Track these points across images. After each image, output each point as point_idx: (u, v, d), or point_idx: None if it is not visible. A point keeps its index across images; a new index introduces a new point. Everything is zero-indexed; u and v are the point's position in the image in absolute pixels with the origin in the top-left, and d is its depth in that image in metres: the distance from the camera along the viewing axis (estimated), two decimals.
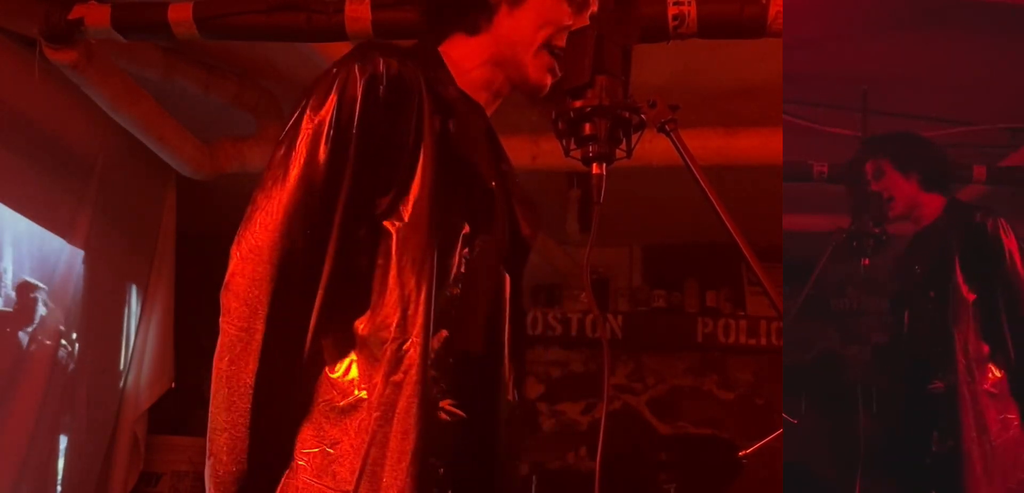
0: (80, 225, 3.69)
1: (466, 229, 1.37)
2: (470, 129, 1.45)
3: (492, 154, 1.55)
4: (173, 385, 4.32)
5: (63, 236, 3.63)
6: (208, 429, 1.26)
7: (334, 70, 1.33)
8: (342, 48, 2.93)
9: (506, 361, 1.50)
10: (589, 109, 1.37)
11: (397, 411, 1.25)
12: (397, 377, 1.26)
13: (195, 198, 4.31)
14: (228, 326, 1.25)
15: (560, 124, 1.41)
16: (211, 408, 1.26)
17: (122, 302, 4.09)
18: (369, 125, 1.30)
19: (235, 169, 3.88)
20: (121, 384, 4.12)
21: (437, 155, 1.34)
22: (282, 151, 1.29)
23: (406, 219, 1.30)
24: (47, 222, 3.57)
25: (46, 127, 3.44)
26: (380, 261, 1.30)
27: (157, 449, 4.48)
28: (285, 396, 1.27)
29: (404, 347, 1.27)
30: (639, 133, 1.41)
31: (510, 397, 1.52)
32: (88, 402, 3.85)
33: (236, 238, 1.28)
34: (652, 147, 1.62)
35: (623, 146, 1.40)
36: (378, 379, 1.26)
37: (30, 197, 3.43)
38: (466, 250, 1.37)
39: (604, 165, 1.37)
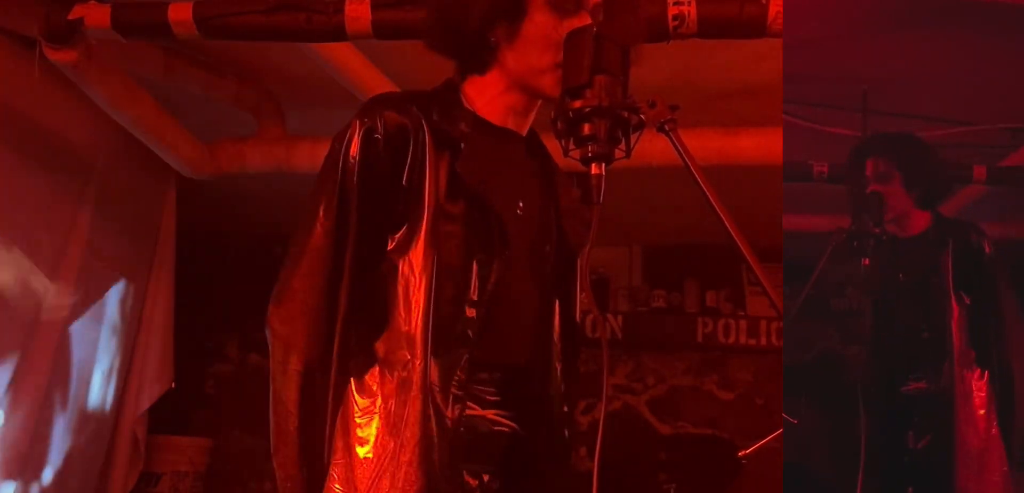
0: (80, 225, 3.69)
1: (480, 255, 1.49)
2: (482, 159, 1.53)
3: (533, 171, 1.65)
4: (173, 385, 4.32)
5: (63, 236, 3.63)
6: (271, 448, 1.47)
7: (345, 127, 1.52)
8: (342, 48, 2.95)
9: (557, 374, 1.63)
10: (588, 109, 1.37)
11: (403, 425, 1.41)
12: (403, 394, 1.42)
13: (195, 198, 4.31)
14: (271, 361, 1.48)
15: (559, 124, 1.41)
16: (271, 431, 1.48)
17: (122, 302, 4.09)
18: (369, 178, 1.48)
19: (235, 169, 3.88)
20: (121, 384, 4.12)
21: (443, 190, 1.49)
22: (307, 204, 1.51)
23: (410, 253, 1.46)
24: (47, 222, 3.57)
25: (46, 127, 3.44)
26: (391, 290, 1.47)
27: (157, 449, 4.48)
28: (323, 414, 1.46)
29: (408, 367, 1.43)
30: (638, 133, 1.41)
31: (564, 406, 1.65)
32: (88, 402, 3.85)
33: (275, 284, 1.51)
34: (652, 147, 1.62)
35: (622, 146, 1.40)
36: (391, 395, 1.43)
37: (30, 197, 3.43)
38: (482, 274, 1.49)
39: (603, 165, 1.37)
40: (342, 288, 1.47)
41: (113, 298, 4.02)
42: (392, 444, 1.40)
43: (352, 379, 1.46)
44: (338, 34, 2.66)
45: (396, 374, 1.43)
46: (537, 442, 1.60)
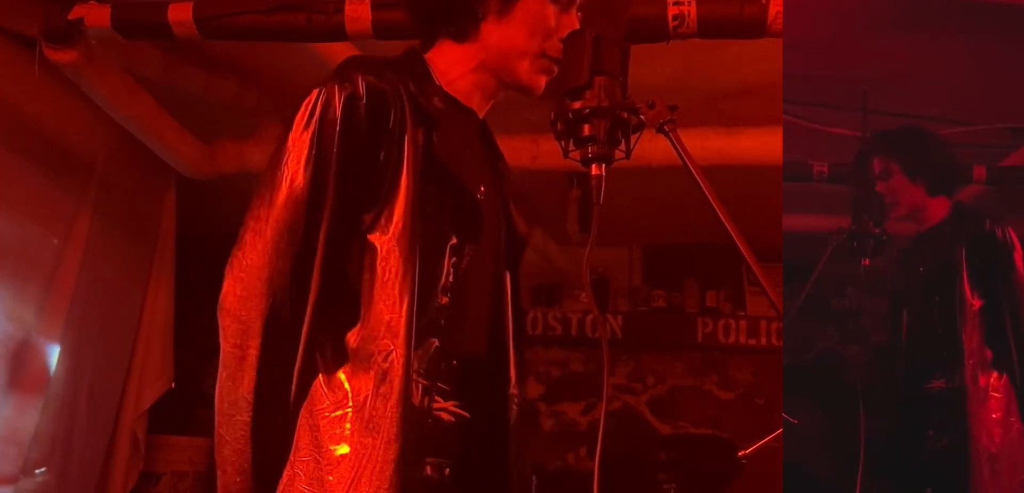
0: (80, 225, 3.69)
1: (454, 240, 1.42)
2: (455, 138, 1.47)
3: (485, 156, 1.58)
4: (173, 385, 4.32)
5: (63, 236, 3.63)
6: (214, 442, 1.32)
7: (316, 92, 1.39)
8: (342, 48, 2.94)
9: (511, 358, 1.55)
10: (588, 110, 1.37)
11: (383, 421, 1.29)
12: (384, 389, 1.30)
13: (195, 198, 4.31)
14: (224, 344, 1.31)
15: (559, 125, 1.41)
16: (215, 421, 1.32)
17: (122, 302, 4.09)
18: (349, 145, 1.35)
19: (235, 169, 3.88)
20: (121, 384, 4.12)
21: (420, 168, 1.38)
22: (269, 174, 1.35)
23: (389, 233, 1.34)
24: (47, 222, 3.57)
25: (46, 127, 3.44)
26: (366, 275, 1.34)
27: (157, 449, 4.48)
28: (281, 408, 1.31)
29: (389, 359, 1.31)
30: (638, 133, 1.41)
31: (513, 390, 1.55)
32: (88, 402, 3.85)
33: (229, 259, 1.34)
34: (652, 147, 1.62)
35: (622, 147, 1.40)
36: (367, 390, 1.30)
37: (30, 197, 3.43)
38: (454, 260, 1.41)
39: (603, 166, 1.37)
40: (314, 269, 1.32)
41: (113, 298, 4.02)
42: (371, 441, 1.28)
43: (321, 374, 1.32)
44: (338, 34, 2.66)
45: (373, 366, 1.30)
46: (491, 429, 1.53)
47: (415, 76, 1.46)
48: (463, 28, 1.51)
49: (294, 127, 1.37)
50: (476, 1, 1.49)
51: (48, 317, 3.56)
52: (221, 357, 1.31)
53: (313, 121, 1.36)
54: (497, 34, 1.51)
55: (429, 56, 1.55)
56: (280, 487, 1.30)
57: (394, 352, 1.31)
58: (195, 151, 3.79)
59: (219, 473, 1.30)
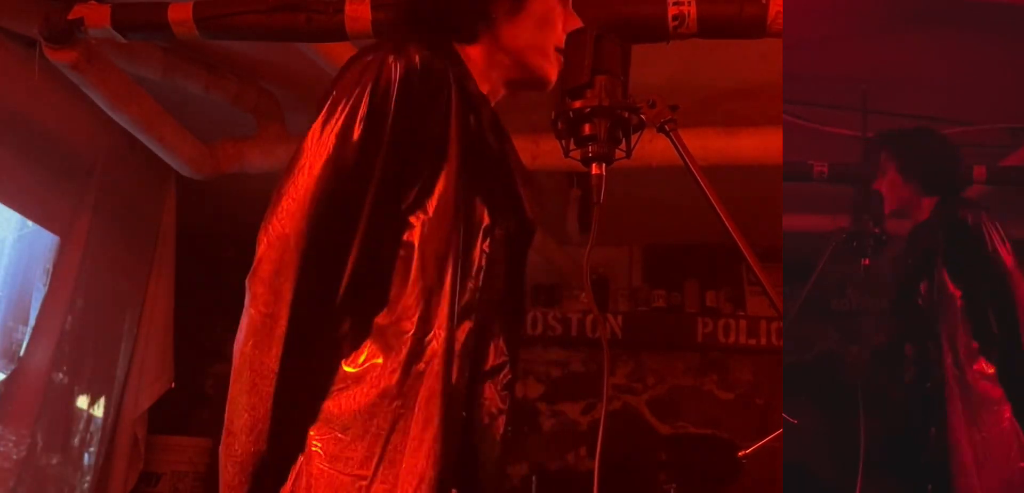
0: (80, 225, 3.69)
1: (486, 221, 1.38)
2: (488, 121, 1.45)
3: (500, 142, 1.55)
4: (173, 385, 4.32)
5: (63, 236, 3.63)
6: (227, 408, 1.26)
7: (368, 58, 1.33)
8: (342, 48, 2.94)
9: (516, 338, 1.51)
10: (588, 109, 1.37)
11: (419, 400, 1.27)
12: (420, 366, 1.28)
13: (195, 198, 4.32)
14: (254, 311, 1.25)
15: (560, 124, 1.41)
16: (232, 389, 1.26)
17: (122, 302, 4.09)
18: (402, 116, 1.29)
19: (235, 169, 3.88)
20: (121, 384, 4.12)
21: (464, 149, 1.35)
22: (310, 137, 1.29)
23: (431, 213, 1.31)
24: (47, 222, 3.57)
25: (46, 127, 3.44)
26: (402, 253, 1.31)
27: (157, 449, 4.48)
28: (306, 381, 1.28)
29: (427, 339, 1.28)
30: (639, 133, 1.41)
31: (508, 376, 1.50)
32: (88, 402, 3.85)
33: (263, 224, 1.28)
34: (652, 147, 1.63)
35: (623, 146, 1.40)
36: (398, 368, 1.27)
37: (30, 197, 3.43)
38: (486, 242, 1.38)
39: (604, 165, 1.37)
40: (353, 243, 1.27)
41: (113, 298, 4.02)
42: (405, 421, 1.25)
43: (345, 347, 1.29)
44: (338, 34, 2.66)
45: (405, 346, 1.27)
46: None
47: (454, 61, 1.44)
48: (473, 30, 1.49)
49: (341, 92, 1.30)
50: (488, 4, 1.48)
51: (48, 317, 3.56)
52: (247, 324, 1.25)
53: (367, 88, 1.29)
54: (510, 33, 1.50)
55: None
56: (298, 462, 1.27)
57: (434, 333, 1.28)
58: (195, 151, 3.79)
59: (229, 441, 1.25)
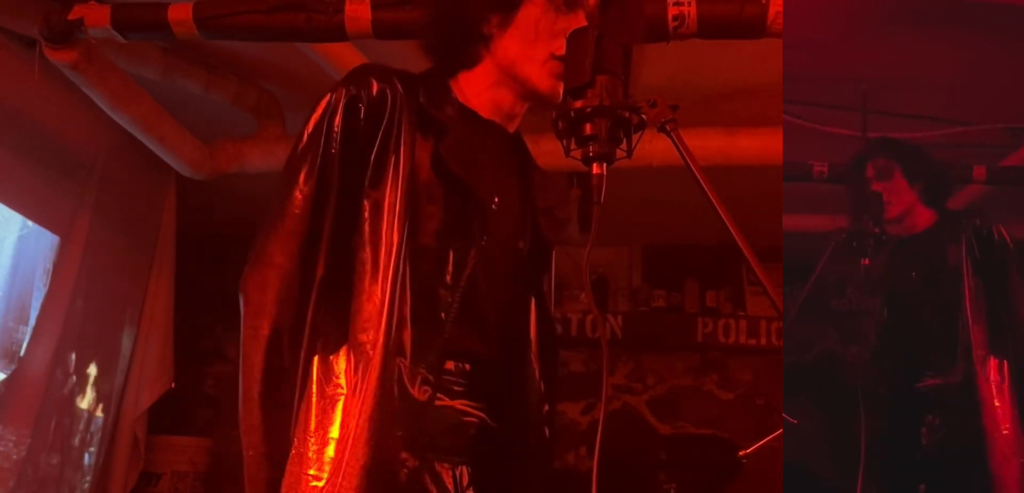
0: (80, 225, 3.69)
1: (457, 242, 1.47)
2: (467, 147, 1.51)
3: (512, 168, 1.63)
4: (173, 385, 4.32)
5: (63, 236, 3.63)
6: (241, 421, 1.41)
7: (326, 96, 1.49)
8: (342, 48, 2.95)
9: (535, 373, 1.61)
10: (589, 109, 1.36)
11: (364, 408, 1.36)
12: (369, 373, 1.37)
13: (195, 198, 4.31)
14: (242, 326, 1.42)
15: (560, 124, 1.41)
16: (239, 400, 1.41)
17: (122, 302, 4.09)
18: (348, 145, 1.45)
19: (235, 169, 3.88)
20: (121, 384, 4.12)
21: (421, 170, 1.46)
22: (285, 170, 1.47)
23: (382, 228, 1.42)
24: (47, 222, 3.57)
25: (46, 127, 3.44)
26: (360, 267, 1.43)
27: (157, 449, 4.48)
28: (288, 387, 1.40)
29: (374, 347, 1.38)
30: (639, 133, 1.41)
31: (544, 405, 1.62)
32: (88, 402, 3.85)
33: (252, 247, 1.46)
34: (652, 147, 1.62)
35: (623, 146, 1.40)
36: (356, 375, 1.38)
37: (30, 197, 3.43)
38: (457, 261, 1.47)
39: (604, 165, 1.37)
40: (319, 258, 1.43)
41: (112, 298, 4.02)
42: (357, 426, 1.36)
43: (318, 356, 1.41)
44: (338, 34, 2.66)
45: (362, 355, 1.39)
46: (512, 437, 1.58)
47: (429, 86, 1.53)
48: (474, 54, 1.58)
49: (305, 130, 1.48)
50: (481, 25, 1.55)
51: (48, 317, 3.56)
52: (241, 337, 1.41)
53: (321, 124, 1.46)
54: (503, 47, 1.56)
55: (455, 79, 1.61)
56: (288, 464, 1.37)
57: (380, 342, 1.38)
58: (195, 151, 3.79)
59: (243, 442, 1.39)
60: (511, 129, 1.64)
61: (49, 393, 3.57)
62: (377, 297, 1.39)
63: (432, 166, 1.47)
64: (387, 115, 1.46)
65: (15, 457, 3.41)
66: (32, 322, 3.53)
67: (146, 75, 3.35)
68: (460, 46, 1.59)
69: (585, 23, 1.51)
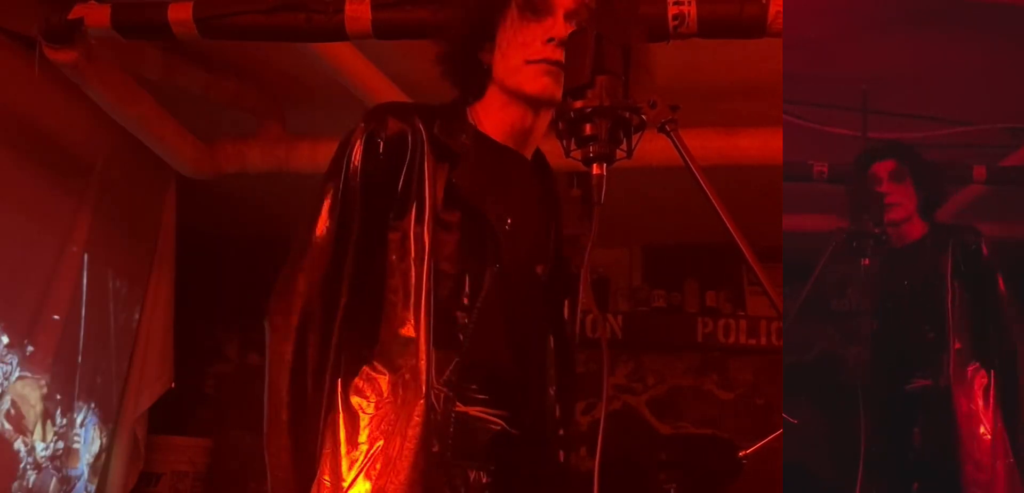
0: (80, 225, 3.69)
1: (472, 264, 1.53)
2: (482, 173, 1.58)
3: (531, 193, 1.70)
4: (173, 385, 4.32)
5: (63, 236, 3.63)
6: (265, 439, 1.48)
7: (349, 134, 1.57)
8: (342, 48, 2.95)
9: (551, 395, 1.68)
10: (589, 109, 1.36)
11: (404, 426, 1.44)
12: (401, 397, 1.46)
13: (195, 198, 4.32)
14: (268, 351, 1.50)
15: (560, 124, 1.41)
16: (265, 422, 1.49)
17: (122, 302, 4.09)
18: (369, 180, 1.54)
19: (235, 169, 3.88)
20: (121, 384, 4.12)
21: (439, 199, 1.53)
22: (311, 203, 1.55)
23: (411, 256, 1.51)
24: (47, 222, 3.57)
25: (46, 127, 3.44)
26: (389, 292, 1.52)
27: (157, 449, 4.48)
28: (314, 407, 1.48)
29: (411, 372, 1.47)
30: (639, 133, 1.41)
31: (558, 424, 1.69)
32: (88, 402, 3.85)
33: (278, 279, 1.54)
34: (652, 147, 1.62)
35: (623, 146, 1.40)
36: (387, 395, 1.47)
37: (30, 197, 3.43)
38: (473, 281, 1.53)
39: (604, 165, 1.37)
40: (342, 287, 1.51)
41: (113, 298, 4.02)
42: (387, 444, 1.43)
43: (341, 379, 1.49)
44: (338, 34, 2.66)
45: (390, 376, 1.47)
46: (531, 444, 1.63)
47: (445, 118, 1.61)
48: (480, 84, 1.66)
49: (331, 163, 1.57)
50: (479, 55, 1.64)
51: (48, 317, 3.56)
52: (267, 363, 1.49)
53: (340, 160, 1.55)
54: (496, 70, 1.64)
55: (472, 107, 1.68)
56: (314, 488, 1.45)
57: (417, 364, 1.46)
58: (195, 151, 3.79)
59: (269, 465, 1.46)
60: (529, 147, 1.69)
61: (49, 393, 3.57)
62: (410, 322, 1.48)
63: (446, 193, 1.54)
64: (409, 153, 1.54)
65: (15, 457, 3.41)
66: (32, 322, 3.52)
67: (146, 75, 3.36)
68: (468, 80, 1.67)
69: (556, 28, 1.55)
